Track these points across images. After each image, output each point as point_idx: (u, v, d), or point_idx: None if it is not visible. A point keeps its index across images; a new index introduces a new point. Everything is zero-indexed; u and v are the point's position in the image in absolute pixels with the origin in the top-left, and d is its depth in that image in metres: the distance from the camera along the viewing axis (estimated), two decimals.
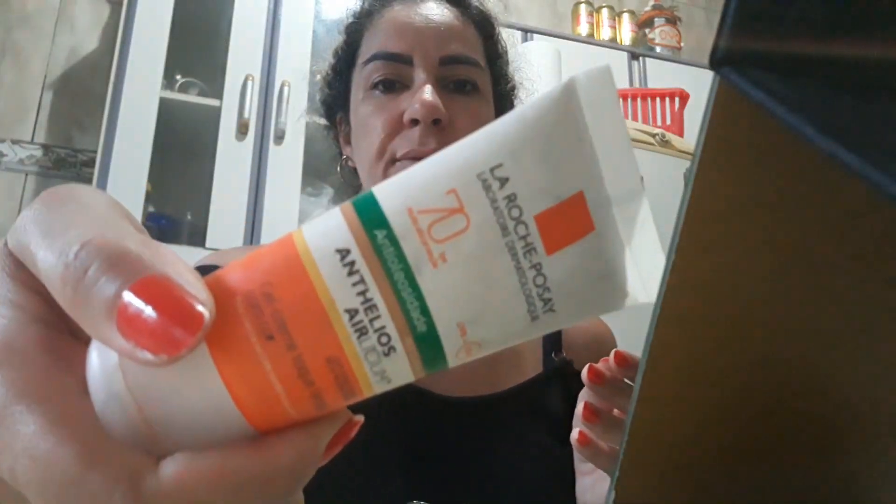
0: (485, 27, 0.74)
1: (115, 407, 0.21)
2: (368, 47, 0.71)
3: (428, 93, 0.65)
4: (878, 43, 0.23)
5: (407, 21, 0.69)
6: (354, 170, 0.76)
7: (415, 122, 0.65)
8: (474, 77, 0.70)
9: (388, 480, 0.60)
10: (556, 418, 0.67)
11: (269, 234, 1.93)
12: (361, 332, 0.21)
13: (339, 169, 0.79)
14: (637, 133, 1.86)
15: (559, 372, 0.72)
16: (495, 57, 0.75)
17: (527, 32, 2.43)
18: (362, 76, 0.70)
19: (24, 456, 0.19)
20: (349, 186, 0.80)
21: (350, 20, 0.76)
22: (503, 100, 0.76)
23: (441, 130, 0.66)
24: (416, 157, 0.65)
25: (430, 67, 0.67)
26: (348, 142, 0.76)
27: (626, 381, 0.48)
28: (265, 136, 1.99)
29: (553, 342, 0.76)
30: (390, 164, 0.67)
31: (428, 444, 0.63)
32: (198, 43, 2.13)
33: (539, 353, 0.76)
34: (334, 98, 0.77)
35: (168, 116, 1.95)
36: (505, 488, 0.64)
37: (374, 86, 0.69)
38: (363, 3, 0.75)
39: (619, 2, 2.91)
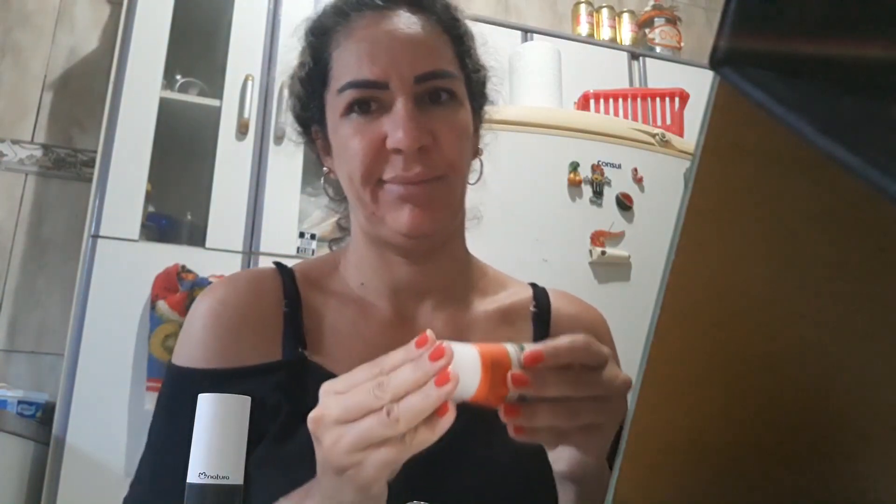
0: (451, 26, 0.75)
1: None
2: (340, 71, 0.71)
3: (408, 120, 0.66)
4: (877, 43, 0.23)
5: (377, 42, 0.70)
6: (338, 181, 0.77)
7: (398, 150, 0.67)
8: (450, 86, 0.71)
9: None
10: None
11: (269, 234, 1.92)
12: None
13: (322, 181, 0.80)
14: (637, 133, 1.86)
15: None
16: (466, 53, 0.76)
17: (527, 32, 2.42)
18: (338, 102, 0.71)
19: None
20: (335, 195, 0.81)
21: (312, 39, 0.76)
22: (477, 89, 0.78)
23: (425, 153, 0.68)
24: (403, 182, 0.67)
25: (406, 88, 0.68)
26: (328, 153, 0.77)
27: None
28: (265, 136, 1.99)
29: (542, 328, 0.77)
30: (378, 186, 0.69)
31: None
32: (198, 43, 2.13)
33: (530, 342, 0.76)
34: (309, 114, 0.78)
35: (168, 116, 1.95)
36: (499, 482, 0.65)
37: (351, 108, 0.70)
38: (321, 20, 0.75)
39: (619, 2, 2.91)
